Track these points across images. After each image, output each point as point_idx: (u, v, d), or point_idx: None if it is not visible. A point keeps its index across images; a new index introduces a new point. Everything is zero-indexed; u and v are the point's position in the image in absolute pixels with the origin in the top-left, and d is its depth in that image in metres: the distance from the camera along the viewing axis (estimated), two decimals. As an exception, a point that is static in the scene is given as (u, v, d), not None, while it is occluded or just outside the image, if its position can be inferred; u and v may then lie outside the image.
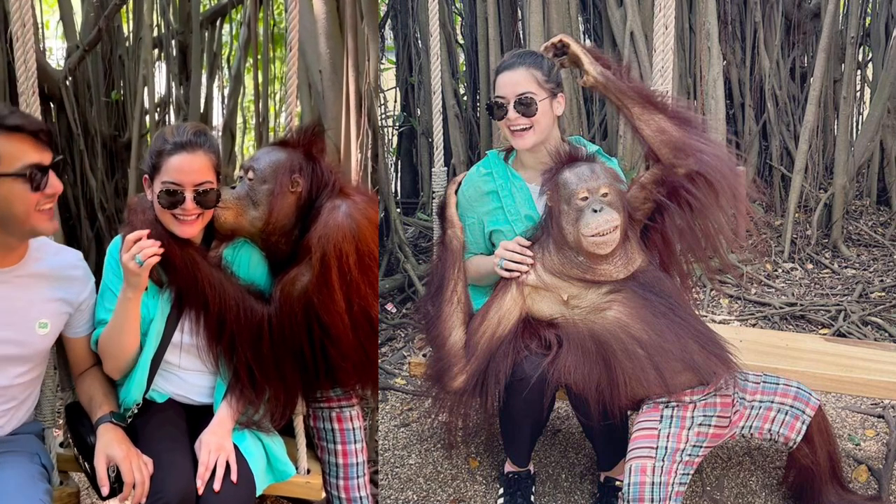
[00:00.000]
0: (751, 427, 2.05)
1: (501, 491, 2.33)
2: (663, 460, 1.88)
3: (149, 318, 1.83)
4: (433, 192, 2.41)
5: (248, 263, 1.91)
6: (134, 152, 4.20)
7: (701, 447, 1.96)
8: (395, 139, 5.64)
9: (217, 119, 5.39)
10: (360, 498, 2.08)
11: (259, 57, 4.70)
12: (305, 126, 1.92)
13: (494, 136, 4.41)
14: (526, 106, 2.07)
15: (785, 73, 5.28)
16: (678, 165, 1.93)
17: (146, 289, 1.78)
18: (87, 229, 4.44)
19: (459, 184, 2.23)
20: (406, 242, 4.19)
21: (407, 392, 3.05)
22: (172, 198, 1.73)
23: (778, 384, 2.07)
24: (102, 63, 4.61)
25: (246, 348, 1.82)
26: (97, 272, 1.89)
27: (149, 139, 4.49)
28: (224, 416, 1.84)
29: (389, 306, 3.89)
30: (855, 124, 5.52)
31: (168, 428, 1.84)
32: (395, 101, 5.48)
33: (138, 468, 1.69)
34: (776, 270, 4.36)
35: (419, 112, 5.24)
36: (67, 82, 4.20)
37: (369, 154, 3.04)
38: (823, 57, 4.53)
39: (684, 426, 1.93)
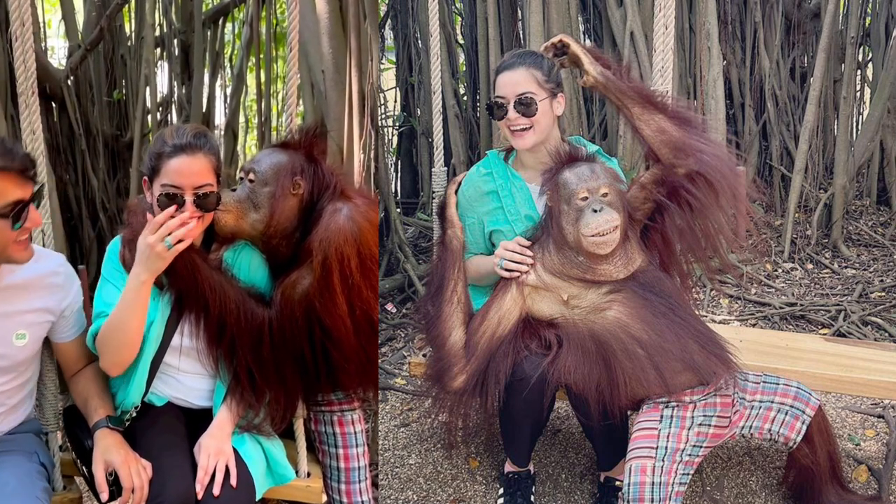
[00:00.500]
0: (751, 427, 2.05)
1: (501, 491, 2.33)
2: (663, 460, 1.88)
3: (148, 321, 1.81)
4: (433, 192, 2.41)
5: (248, 266, 1.89)
6: (136, 152, 4.21)
7: (701, 447, 1.96)
8: (395, 139, 5.64)
9: (219, 118, 5.39)
10: (363, 502, 2.07)
11: (261, 56, 4.70)
12: (306, 127, 1.91)
13: (494, 136, 4.41)
14: (526, 106, 2.07)
15: (785, 73, 5.28)
16: (678, 165, 1.93)
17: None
18: (88, 229, 4.44)
19: (459, 184, 2.23)
20: (406, 242, 4.19)
21: (407, 392, 3.05)
22: (172, 201, 1.71)
23: (778, 384, 2.07)
24: (104, 62, 4.61)
25: (246, 351, 1.80)
26: (99, 272, 1.88)
27: (150, 139, 4.49)
28: (223, 419, 1.82)
29: (389, 306, 3.89)
30: (855, 124, 5.52)
31: (167, 432, 1.83)
32: (395, 101, 5.48)
33: (137, 473, 1.67)
34: (776, 270, 4.36)
35: (419, 112, 5.24)
36: (69, 82, 4.21)
37: (372, 155, 3.04)
38: (823, 57, 4.53)
39: (684, 426, 1.93)
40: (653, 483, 1.86)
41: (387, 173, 4.45)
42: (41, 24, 4.62)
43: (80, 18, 4.66)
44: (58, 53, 5.44)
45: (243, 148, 5.89)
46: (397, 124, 5.46)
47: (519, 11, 4.68)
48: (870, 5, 5.30)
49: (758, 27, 5.15)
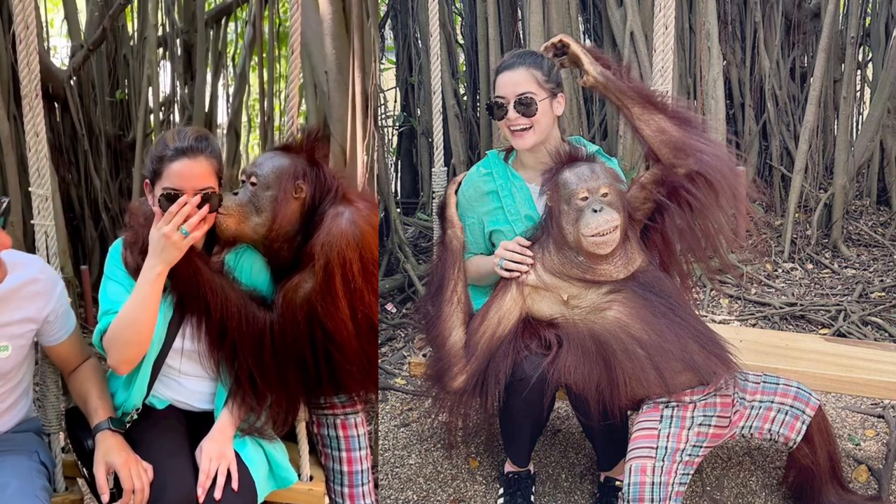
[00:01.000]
0: (751, 427, 2.06)
1: (501, 491, 2.34)
2: (663, 460, 1.89)
3: None
4: (433, 192, 2.41)
5: (250, 269, 1.89)
6: (138, 152, 4.21)
7: (701, 447, 1.96)
8: (395, 139, 5.64)
9: (222, 118, 5.40)
10: None
11: (264, 55, 4.71)
12: (308, 130, 1.90)
13: (494, 136, 4.41)
14: (526, 106, 2.07)
15: (785, 73, 5.28)
16: (678, 165, 1.93)
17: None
18: (91, 229, 4.45)
19: (459, 184, 2.23)
20: (406, 242, 4.19)
21: (407, 392, 3.05)
22: (173, 201, 1.71)
23: (778, 384, 2.08)
24: (107, 62, 4.63)
25: (248, 355, 1.79)
26: (100, 272, 1.88)
27: (153, 139, 4.50)
28: (225, 423, 1.82)
29: (389, 306, 3.89)
30: (855, 124, 5.53)
31: (168, 434, 1.83)
32: (395, 101, 5.48)
33: (137, 475, 1.67)
34: (776, 270, 4.36)
35: (419, 112, 5.25)
36: (72, 82, 4.22)
37: (375, 156, 3.04)
38: (823, 57, 4.54)
39: (684, 426, 1.94)
40: (653, 483, 1.86)
41: (387, 173, 4.46)
42: (44, 24, 4.63)
43: (82, 18, 4.67)
44: (60, 52, 5.45)
45: (246, 147, 5.90)
46: (397, 124, 5.47)
47: (519, 11, 4.68)
48: (870, 5, 5.31)
49: (758, 27, 5.15)
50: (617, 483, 2.25)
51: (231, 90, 5.44)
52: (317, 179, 1.84)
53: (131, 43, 4.72)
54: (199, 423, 1.87)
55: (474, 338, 2.00)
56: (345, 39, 3.06)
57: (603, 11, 4.56)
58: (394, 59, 5.51)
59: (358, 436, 2.04)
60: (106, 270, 1.86)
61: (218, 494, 1.70)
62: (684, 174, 1.93)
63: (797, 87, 5.41)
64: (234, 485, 1.73)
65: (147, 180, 1.80)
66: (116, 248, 1.86)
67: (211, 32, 5.06)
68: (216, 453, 1.75)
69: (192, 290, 1.77)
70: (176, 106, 5.02)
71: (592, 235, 1.88)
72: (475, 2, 4.72)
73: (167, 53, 4.95)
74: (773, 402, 2.05)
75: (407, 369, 3.11)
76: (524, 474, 2.32)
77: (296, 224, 1.83)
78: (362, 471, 2.06)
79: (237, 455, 1.79)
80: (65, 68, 4.34)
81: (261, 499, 1.81)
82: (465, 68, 5.29)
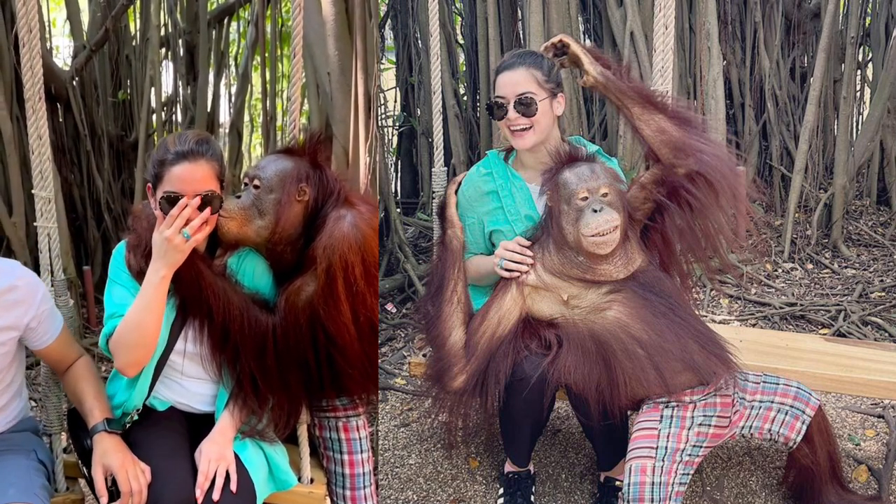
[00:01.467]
0: (751, 427, 2.06)
1: (501, 491, 2.34)
2: (663, 460, 1.89)
3: None
4: (433, 192, 2.41)
5: (252, 272, 1.89)
6: (141, 152, 4.22)
7: (701, 447, 1.96)
8: (395, 139, 5.65)
9: (224, 118, 5.41)
10: None
11: (267, 55, 4.71)
12: (311, 133, 1.90)
13: (494, 136, 4.42)
14: (526, 106, 2.08)
15: (785, 73, 5.28)
16: (678, 165, 1.94)
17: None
18: (93, 229, 4.45)
19: (459, 184, 2.24)
20: (406, 242, 4.20)
21: (407, 392, 3.06)
22: (173, 204, 1.70)
23: (778, 384, 2.08)
24: (109, 63, 4.63)
25: (250, 358, 1.80)
26: (103, 272, 1.88)
27: (155, 139, 4.51)
28: (225, 425, 1.82)
29: (389, 306, 3.90)
30: (855, 124, 5.52)
31: (168, 436, 1.83)
32: (395, 101, 5.49)
33: (135, 476, 1.67)
34: (776, 270, 4.36)
35: (419, 112, 5.25)
36: (74, 82, 4.22)
37: (377, 157, 3.04)
38: (823, 57, 4.54)
39: (684, 426, 1.94)
40: (653, 483, 1.87)
41: (387, 173, 4.46)
42: (46, 24, 4.63)
43: (84, 18, 4.68)
44: (62, 52, 5.46)
45: (248, 147, 5.91)
46: (397, 124, 5.47)
47: (519, 11, 4.68)
48: (870, 5, 5.31)
49: (758, 27, 5.15)
50: (617, 483, 2.26)
51: (233, 90, 5.45)
52: (319, 182, 1.84)
53: (134, 43, 4.72)
54: (200, 425, 1.87)
55: (474, 338, 2.00)
56: (347, 40, 3.07)
57: (603, 11, 4.56)
58: (394, 59, 5.51)
59: (360, 438, 2.04)
60: (110, 274, 1.86)
61: (216, 496, 1.70)
62: (684, 174, 1.93)
63: (797, 87, 5.41)
64: (233, 486, 1.73)
65: (149, 184, 1.80)
66: (120, 251, 1.87)
67: (213, 33, 5.06)
68: (215, 455, 1.75)
69: (194, 293, 1.77)
70: (178, 106, 5.03)
71: (592, 235, 1.88)
72: (475, 2, 4.72)
73: (169, 54, 4.95)
74: (773, 402, 2.05)
75: (407, 369, 3.11)
76: (524, 474, 2.33)
77: (298, 227, 1.83)
78: (364, 473, 2.06)
79: (237, 457, 1.79)
80: (67, 69, 4.35)
81: (260, 501, 1.81)
82: (465, 68, 5.29)
